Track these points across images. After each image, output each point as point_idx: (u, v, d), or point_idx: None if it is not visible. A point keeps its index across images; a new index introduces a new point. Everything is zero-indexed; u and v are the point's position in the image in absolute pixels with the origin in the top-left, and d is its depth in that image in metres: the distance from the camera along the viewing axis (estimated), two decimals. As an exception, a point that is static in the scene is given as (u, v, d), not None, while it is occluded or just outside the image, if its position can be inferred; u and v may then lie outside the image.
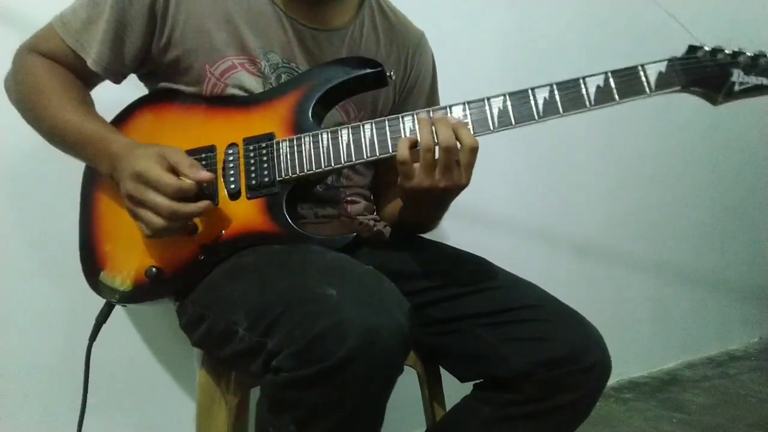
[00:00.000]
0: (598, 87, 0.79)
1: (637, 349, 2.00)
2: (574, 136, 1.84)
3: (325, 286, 0.65)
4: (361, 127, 0.83)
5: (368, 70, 0.87)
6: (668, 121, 2.04)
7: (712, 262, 2.21)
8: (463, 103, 0.82)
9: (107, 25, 0.86)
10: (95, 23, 0.87)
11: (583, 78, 0.80)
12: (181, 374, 1.27)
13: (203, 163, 0.86)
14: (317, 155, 0.83)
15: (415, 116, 0.81)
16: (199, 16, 0.89)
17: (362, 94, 0.95)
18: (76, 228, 0.92)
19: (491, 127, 0.81)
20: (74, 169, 0.93)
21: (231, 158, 0.86)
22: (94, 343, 0.94)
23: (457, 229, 1.53)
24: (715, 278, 2.21)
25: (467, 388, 0.91)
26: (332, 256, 0.74)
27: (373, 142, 0.83)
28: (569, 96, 0.79)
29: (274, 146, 0.85)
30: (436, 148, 0.77)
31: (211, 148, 0.86)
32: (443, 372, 0.98)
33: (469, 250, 0.99)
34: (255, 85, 0.91)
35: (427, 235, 1.05)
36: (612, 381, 1.91)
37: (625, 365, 1.96)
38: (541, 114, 0.80)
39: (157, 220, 0.75)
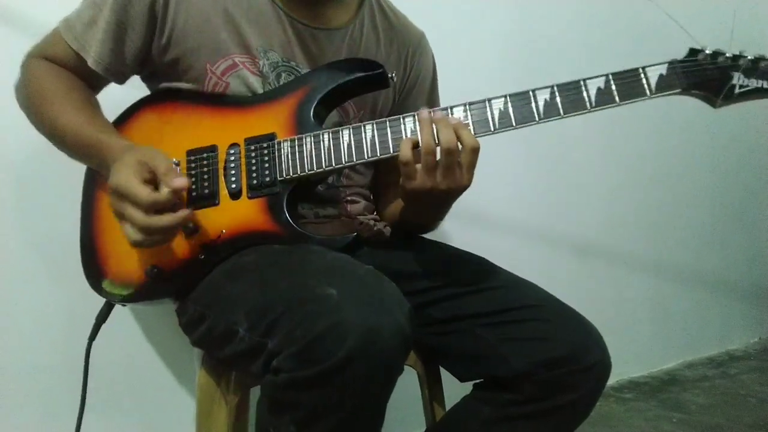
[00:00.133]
0: (599, 89, 0.80)
1: (637, 349, 2.00)
2: (575, 137, 1.84)
3: (326, 286, 0.65)
4: (363, 127, 0.84)
5: (370, 72, 0.88)
6: (668, 122, 2.04)
7: (712, 262, 2.21)
8: (465, 104, 0.82)
9: (107, 26, 0.87)
10: (96, 24, 0.87)
11: (584, 80, 0.80)
12: (181, 374, 1.27)
13: (204, 162, 0.86)
14: (318, 155, 0.83)
15: (416, 117, 0.81)
16: (199, 15, 0.89)
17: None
18: (77, 228, 0.92)
19: (492, 128, 0.81)
20: (75, 169, 0.93)
21: (232, 158, 0.86)
22: (94, 343, 0.94)
23: (458, 229, 1.53)
24: (715, 278, 2.21)
25: (467, 388, 0.91)
26: (332, 256, 0.74)
27: (374, 143, 0.83)
28: (570, 98, 0.80)
29: (276, 146, 0.85)
30: (438, 149, 0.77)
31: (213, 148, 0.87)
32: (443, 372, 0.98)
33: (469, 250, 0.99)
34: (255, 84, 0.91)
35: (427, 235, 1.05)
36: (612, 381, 1.92)
37: (625, 365, 1.96)
38: (541, 115, 0.80)
39: (134, 234, 0.74)
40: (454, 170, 0.77)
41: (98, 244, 0.89)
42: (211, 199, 0.84)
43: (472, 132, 0.80)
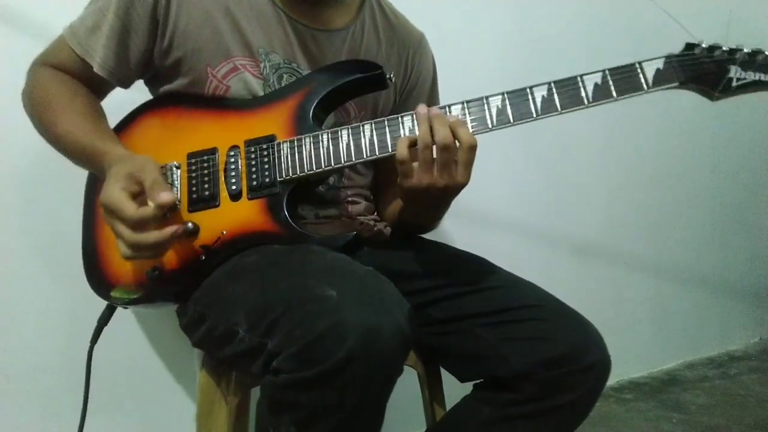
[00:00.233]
0: (596, 84, 0.80)
1: (637, 349, 2.00)
2: (575, 136, 1.84)
3: (325, 287, 0.65)
4: (361, 127, 0.84)
5: (368, 73, 0.88)
6: (668, 122, 2.04)
7: (712, 262, 2.21)
8: (462, 102, 0.82)
9: (111, 31, 0.87)
10: (100, 29, 0.88)
11: (581, 76, 0.81)
12: (182, 375, 1.27)
13: (204, 165, 0.86)
14: (318, 155, 0.84)
15: (413, 116, 0.82)
16: (201, 18, 0.89)
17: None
18: (79, 230, 0.92)
19: (490, 125, 0.81)
20: (77, 172, 0.93)
21: (232, 160, 0.86)
22: (96, 345, 0.94)
23: (457, 229, 1.53)
24: (715, 278, 2.21)
25: (467, 388, 0.91)
26: (332, 257, 0.74)
27: (373, 142, 0.83)
28: (567, 94, 0.80)
29: (275, 147, 0.85)
30: (434, 145, 0.77)
31: (213, 150, 0.87)
32: (443, 372, 0.98)
33: (469, 250, 0.99)
34: (257, 87, 0.91)
35: (427, 235, 1.05)
36: (612, 381, 1.92)
37: (625, 365, 1.96)
38: (539, 112, 0.80)
39: (125, 250, 0.74)
40: (451, 167, 0.77)
41: (100, 249, 0.89)
42: (212, 201, 0.85)
43: (470, 129, 0.80)
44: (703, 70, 0.79)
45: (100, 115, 0.92)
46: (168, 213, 0.75)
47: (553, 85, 0.81)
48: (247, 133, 0.87)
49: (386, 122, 0.83)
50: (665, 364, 2.08)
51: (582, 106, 0.80)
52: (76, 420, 0.95)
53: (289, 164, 0.84)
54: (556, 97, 0.80)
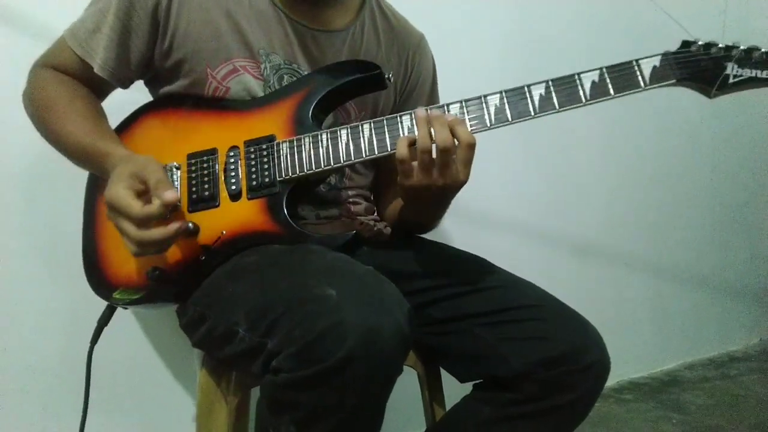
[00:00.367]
0: (594, 82, 0.80)
1: (637, 349, 2.00)
2: (575, 136, 1.85)
3: (325, 287, 0.65)
4: (360, 127, 0.84)
5: (367, 74, 0.88)
6: (668, 122, 2.04)
7: (712, 262, 2.21)
8: (461, 101, 0.82)
9: (112, 32, 0.88)
10: (100, 30, 0.88)
11: (579, 74, 0.81)
12: (182, 375, 1.27)
13: (204, 165, 0.86)
14: (317, 155, 0.84)
15: (412, 116, 0.82)
16: (201, 19, 0.89)
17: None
18: (80, 230, 0.92)
19: (488, 124, 0.81)
20: (78, 173, 0.93)
21: (232, 160, 0.86)
22: (96, 345, 0.94)
23: (457, 229, 1.53)
24: (715, 279, 2.21)
25: (467, 388, 0.91)
26: (332, 257, 0.74)
27: (372, 142, 0.83)
28: (565, 92, 0.80)
29: (275, 147, 0.85)
30: (434, 147, 0.77)
31: (213, 151, 0.87)
32: (443, 372, 0.98)
33: (468, 250, 0.99)
34: (256, 88, 0.91)
35: (427, 235, 1.05)
36: (612, 382, 1.92)
37: (625, 366, 1.96)
38: (537, 110, 0.81)
39: (131, 246, 0.75)
40: (451, 167, 0.77)
41: (100, 249, 0.89)
42: (212, 201, 0.85)
43: (469, 128, 0.80)
44: (699, 68, 0.80)
45: (102, 115, 0.92)
46: (169, 213, 0.76)
47: (550, 83, 0.81)
48: (247, 134, 0.88)
49: (385, 122, 0.83)
50: (665, 364, 2.08)
51: (580, 104, 0.80)
52: (76, 420, 0.94)
53: (289, 164, 0.84)
54: (554, 95, 0.80)
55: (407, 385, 0.89)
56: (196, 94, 0.91)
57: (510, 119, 0.81)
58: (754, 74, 0.78)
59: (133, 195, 0.73)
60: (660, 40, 0.83)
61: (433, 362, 1.00)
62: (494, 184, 1.67)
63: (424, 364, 1.00)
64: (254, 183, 0.84)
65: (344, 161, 0.83)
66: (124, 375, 1.20)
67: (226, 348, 0.75)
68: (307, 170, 0.84)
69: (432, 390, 1.00)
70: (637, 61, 0.81)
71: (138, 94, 0.97)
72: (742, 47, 0.79)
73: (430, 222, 1.02)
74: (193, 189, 0.86)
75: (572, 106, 0.81)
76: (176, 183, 0.86)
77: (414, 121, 0.81)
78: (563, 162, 1.85)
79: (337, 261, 0.73)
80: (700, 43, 0.80)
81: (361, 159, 0.83)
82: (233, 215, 0.84)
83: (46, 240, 1.14)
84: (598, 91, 0.80)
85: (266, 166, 0.85)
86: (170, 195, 0.73)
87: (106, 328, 0.94)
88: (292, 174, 0.84)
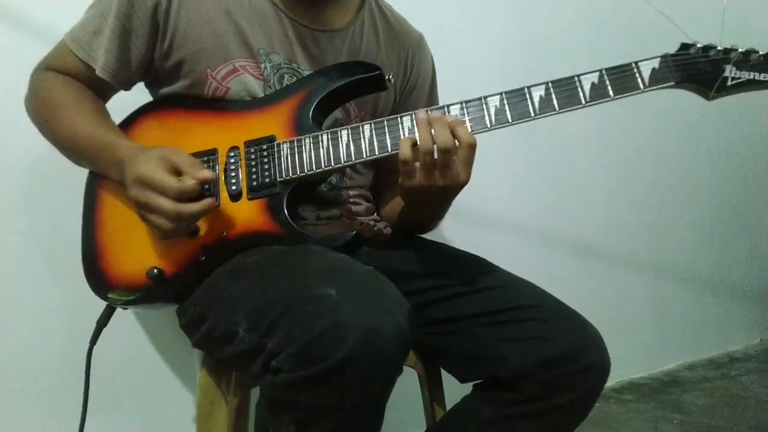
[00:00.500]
0: (593, 84, 0.81)
1: (637, 350, 2.00)
2: (575, 137, 1.85)
3: (325, 287, 0.65)
4: (361, 127, 0.84)
5: (367, 75, 0.88)
6: (668, 122, 2.04)
7: (713, 262, 2.21)
8: (461, 103, 0.83)
9: (112, 34, 0.88)
10: (102, 33, 0.88)
11: (578, 76, 0.81)
12: (182, 375, 1.27)
13: (205, 166, 0.86)
14: (317, 156, 0.84)
15: (413, 116, 0.82)
16: (201, 19, 0.89)
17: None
18: (80, 230, 0.92)
19: (488, 125, 0.82)
20: (78, 173, 0.93)
21: (232, 160, 0.86)
22: (95, 345, 0.94)
23: (457, 229, 1.53)
24: (715, 279, 2.21)
25: (467, 388, 0.91)
26: (332, 257, 0.75)
27: (373, 142, 0.83)
28: (565, 93, 0.81)
29: (275, 148, 0.85)
30: (435, 148, 0.77)
31: (213, 152, 0.87)
32: (444, 373, 0.98)
33: (469, 250, 0.99)
34: (257, 88, 0.91)
35: (427, 235, 1.05)
36: (612, 382, 1.91)
37: (626, 366, 1.96)
38: (537, 112, 0.81)
39: (163, 222, 0.76)
40: (452, 167, 0.77)
41: (100, 250, 0.89)
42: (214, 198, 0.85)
43: (469, 129, 0.80)
44: (698, 70, 0.80)
45: (108, 115, 0.93)
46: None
47: (550, 84, 0.81)
48: (247, 134, 0.88)
49: (385, 122, 0.84)
50: (665, 364, 2.08)
51: (579, 106, 0.81)
52: (76, 420, 0.94)
53: (289, 164, 0.84)
54: (553, 96, 0.81)
55: (407, 386, 0.89)
56: (195, 94, 0.91)
57: (510, 120, 0.81)
58: (752, 77, 0.79)
59: (166, 171, 0.76)
60: (660, 41, 0.83)
61: (433, 362, 1.00)
62: (495, 184, 1.67)
63: (425, 364, 1.00)
64: (254, 183, 0.84)
65: (345, 162, 0.83)
66: (123, 375, 1.20)
67: (226, 348, 0.75)
68: (308, 171, 0.84)
69: (432, 390, 1.00)
70: (636, 63, 0.81)
71: (139, 95, 0.97)
72: (740, 50, 0.79)
73: (431, 222, 1.02)
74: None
75: (572, 108, 0.81)
76: None
77: (415, 123, 0.81)
78: (563, 163, 1.85)
79: (337, 261, 0.73)
80: (698, 45, 0.81)
81: (362, 160, 0.83)
82: (233, 216, 0.84)
83: (46, 240, 1.14)
84: (598, 93, 0.81)
85: (266, 167, 0.85)
86: (207, 172, 0.77)
87: (105, 329, 0.94)
88: (292, 174, 0.84)
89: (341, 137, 0.84)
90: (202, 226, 0.84)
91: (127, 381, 1.21)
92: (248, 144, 0.87)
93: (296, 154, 0.84)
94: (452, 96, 0.85)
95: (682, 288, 2.13)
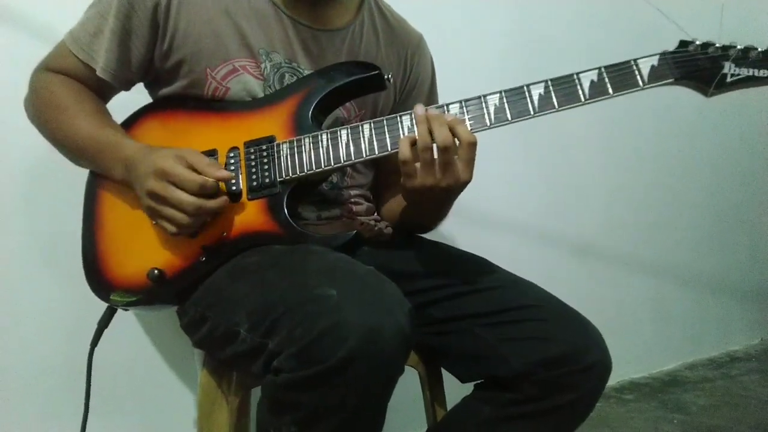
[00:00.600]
0: (592, 82, 0.81)
1: (637, 349, 2.00)
2: (575, 137, 1.85)
3: (326, 287, 0.65)
4: (360, 127, 0.84)
5: (366, 74, 0.88)
6: (668, 122, 2.04)
7: (713, 262, 2.21)
8: (460, 102, 0.83)
9: (112, 35, 0.88)
10: (102, 33, 0.88)
11: (578, 74, 0.81)
12: (183, 375, 1.27)
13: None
14: (317, 155, 0.84)
15: (412, 116, 0.82)
16: (201, 19, 0.89)
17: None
18: (80, 231, 0.92)
19: (488, 123, 0.82)
20: (78, 173, 0.93)
21: (232, 161, 0.86)
22: (96, 346, 0.94)
23: (458, 229, 1.53)
24: (715, 279, 2.21)
25: (468, 388, 0.91)
26: (333, 257, 0.75)
27: (372, 141, 0.83)
28: (564, 91, 0.81)
29: (275, 148, 0.85)
30: (434, 146, 0.77)
31: (213, 152, 0.87)
32: (444, 373, 0.98)
33: (469, 251, 0.99)
34: (257, 88, 0.91)
35: (428, 236, 1.05)
36: (613, 382, 1.91)
37: (626, 366, 1.96)
38: (536, 110, 0.81)
39: (182, 216, 0.77)
40: (453, 166, 0.77)
41: (100, 251, 0.89)
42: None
43: (469, 128, 0.80)
44: (697, 67, 0.80)
45: (108, 115, 0.93)
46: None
47: (549, 82, 0.81)
48: (247, 135, 0.88)
49: (385, 122, 0.84)
50: (666, 364, 2.08)
51: (579, 103, 0.81)
52: (77, 421, 0.94)
53: (289, 164, 0.84)
54: (553, 94, 0.81)
55: (408, 385, 0.89)
56: (195, 95, 0.91)
57: (510, 119, 0.81)
58: (751, 73, 0.79)
59: (186, 168, 0.77)
60: (660, 42, 0.83)
61: (434, 362, 0.99)
62: (495, 184, 1.67)
63: (425, 364, 0.99)
64: (254, 183, 0.84)
65: (344, 161, 0.83)
66: (124, 376, 1.20)
67: (228, 348, 0.74)
68: (308, 170, 0.84)
69: (433, 390, 1.00)
70: (635, 60, 0.81)
71: (140, 95, 0.97)
72: (739, 46, 0.79)
73: (432, 223, 1.02)
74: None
75: (571, 106, 0.81)
76: None
77: (413, 119, 0.81)
78: (564, 163, 1.85)
79: (338, 261, 0.73)
80: (697, 42, 0.81)
81: (362, 159, 0.83)
82: (233, 216, 0.84)
83: (47, 241, 1.14)
84: (597, 91, 0.81)
85: (266, 167, 0.85)
86: (224, 172, 0.79)
87: (106, 330, 0.94)
88: (292, 174, 0.84)
89: (341, 137, 0.84)
90: (203, 226, 0.83)
91: (127, 382, 1.21)
92: (248, 144, 0.87)
93: (296, 154, 0.84)
94: (452, 96, 0.85)
95: (683, 288, 2.13)
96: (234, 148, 0.87)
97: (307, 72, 0.93)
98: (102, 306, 0.92)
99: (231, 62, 0.90)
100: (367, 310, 0.62)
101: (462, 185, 0.79)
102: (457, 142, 0.77)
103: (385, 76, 0.89)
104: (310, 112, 0.87)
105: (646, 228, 2.04)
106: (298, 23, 0.93)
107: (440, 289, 0.91)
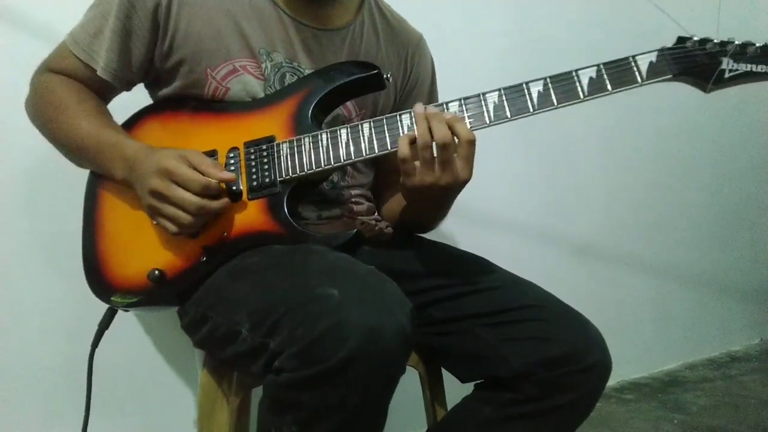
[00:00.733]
0: (591, 78, 0.81)
1: (638, 350, 2.00)
2: (575, 137, 1.85)
3: (327, 287, 0.65)
4: (360, 126, 0.84)
5: (366, 74, 0.88)
6: (668, 122, 2.04)
7: (713, 262, 2.21)
8: (459, 99, 0.83)
9: (113, 35, 0.88)
10: (102, 34, 0.88)
11: (576, 70, 0.81)
12: (183, 375, 1.27)
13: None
14: (317, 155, 0.84)
15: (412, 114, 0.82)
16: (201, 19, 0.89)
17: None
18: (80, 231, 0.92)
19: (488, 121, 0.82)
20: (79, 173, 0.93)
21: (232, 161, 0.86)
22: (97, 347, 0.94)
23: (458, 229, 1.53)
24: (716, 279, 2.21)
25: (469, 388, 0.91)
26: (334, 257, 0.74)
27: (372, 141, 0.83)
28: (563, 88, 0.81)
29: (275, 148, 0.86)
30: (434, 144, 0.77)
31: (213, 153, 0.87)
32: (445, 373, 0.98)
33: (469, 250, 0.99)
34: (257, 88, 0.91)
35: (428, 235, 1.05)
36: (613, 382, 1.91)
37: (626, 366, 1.96)
38: (536, 107, 0.81)
39: (184, 216, 0.77)
40: (452, 164, 0.77)
41: (100, 252, 0.89)
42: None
43: (468, 125, 0.80)
44: (695, 62, 0.80)
45: (109, 116, 0.93)
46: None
47: (548, 80, 0.81)
48: (246, 135, 0.88)
49: (385, 121, 0.84)
50: (666, 364, 2.08)
51: (578, 100, 0.81)
52: (78, 422, 0.94)
53: (289, 164, 0.84)
54: (552, 91, 0.81)
55: (409, 386, 0.89)
56: (195, 95, 0.91)
57: (509, 116, 0.81)
58: (749, 68, 0.79)
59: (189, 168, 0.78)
60: (660, 41, 0.83)
61: (434, 362, 0.99)
62: (495, 184, 1.67)
63: (426, 364, 0.99)
64: (255, 183, 0.84)
65: (344, 161, 0.83)
66: (125, 377, 1.20)
67: (229, 348, 0.74)
68: (308, 170, 0.84)
69: (433, 390, 1.00)
70: (633, 57, 0.81)
71: (140, 95, 0.97)
72: (736, 42, 0.80)
73: (432, 222, 1.02)
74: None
75: (570, 103, 0.81)
76: None
77: (413, 118, 0.81)
78: (564, 162, 1.85)
79: (339, 261, 0.73)
80: (695, 38, 0.81)
81: (361, 158, 0.83)
82: (234, 216, 0.84)
83: (47, 241, 1.14)
84: (596, 87, 0.81)
85: (266, 167, 0.85)
86: (228, 174, 0.80)
87: (107, 330, 0.94)
88: (292, 174, 0.84)
89: (340, 136, 0.84)
90: (203, 227, 0.83)
91: (128, 382, 1.21)
92: (248, 144, 0.87)
93: (296, 154, 0.84)
94: (452, 96, 0.85)
95: (683, 288, 2.12)
96: (234, 149, 0.87)
97: (308, 71, 0.94)
98: (102, 306, 0.92)
99: (231, 62, 0.90)
100: (368, 310, 0.62)
101: (461, 183, 0.79)
102: (456, 140, 0.77)
103: (385, 76, 0.89)
104: (310, 112, 0.87)
105: (646, 228, 2.04)
106: (298, 23, 0.94)
107: (440, 289, 0.91)
